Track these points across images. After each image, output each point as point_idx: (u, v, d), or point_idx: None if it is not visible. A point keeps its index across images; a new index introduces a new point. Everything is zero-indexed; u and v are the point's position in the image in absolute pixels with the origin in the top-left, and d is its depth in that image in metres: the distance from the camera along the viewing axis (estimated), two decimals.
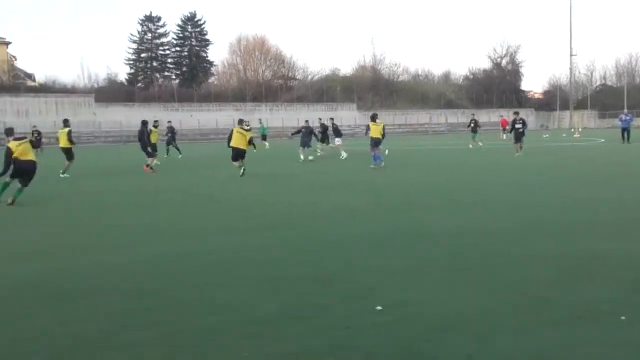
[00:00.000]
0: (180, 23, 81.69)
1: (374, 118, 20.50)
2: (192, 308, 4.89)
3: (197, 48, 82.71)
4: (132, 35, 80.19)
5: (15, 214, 10.92)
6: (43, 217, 10.67)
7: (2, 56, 75.18)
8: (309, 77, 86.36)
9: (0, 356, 4.01)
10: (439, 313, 4.60)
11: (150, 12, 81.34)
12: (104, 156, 33.85)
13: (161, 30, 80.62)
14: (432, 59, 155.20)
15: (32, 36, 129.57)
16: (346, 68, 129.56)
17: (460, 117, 78.58)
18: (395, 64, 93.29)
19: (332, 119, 27.84)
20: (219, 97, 70.79)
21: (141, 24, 79.57)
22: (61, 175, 18.33)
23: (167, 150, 28.80)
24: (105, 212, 10.82)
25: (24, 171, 12.23)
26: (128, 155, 32.56)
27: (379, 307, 4.73)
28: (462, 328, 4.26)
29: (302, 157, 23.50)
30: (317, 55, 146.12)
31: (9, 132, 12.99)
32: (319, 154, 25.86)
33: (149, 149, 20.52)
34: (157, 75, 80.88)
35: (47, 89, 63.46)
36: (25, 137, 13.16)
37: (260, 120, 43.09)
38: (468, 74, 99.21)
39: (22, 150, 12.30)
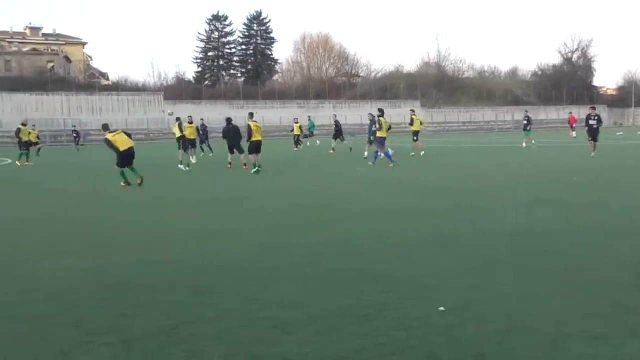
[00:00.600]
0: (246, 22, 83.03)
1: (382, 113, 19.84)
2: (255, 304, 4.91)
3: (262, 46, 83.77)
4: (199, 34, 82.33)
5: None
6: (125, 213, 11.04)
7: (79, 56, 78.71)
8: (373, 74, 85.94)
9: (75, 344, 4.13)
10: (505, 314, 4.45)
11: (217, 12, 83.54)
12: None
13: (228, 29, 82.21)
14: (498, 55, 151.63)
15: (106, 36, 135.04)
16: (410, 65, 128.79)
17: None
18: (460, 60, 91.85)
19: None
20: (283, 94, 71.47)
21: (208, 23, 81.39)
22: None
23: (202, 148, 27.97)
24: (176, 209, 11.11)
25: (127, 157, 14.93)
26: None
27: (441, 308, 4.62)
28: (530, 331, 4.10)
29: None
30: (380, 52, 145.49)
31: (105, 127, 15.79)
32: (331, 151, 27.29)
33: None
34: (223, 73, 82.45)
35: (119, 87, 65.79)
36: (117, 130, 15.72)
37: (309, 117, 43.14)
38: (536, 69, 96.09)
39: (119, 140, 14.85)
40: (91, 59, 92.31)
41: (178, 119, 22.65)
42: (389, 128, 19.90)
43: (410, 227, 8.24)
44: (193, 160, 22.50)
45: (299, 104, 68.33)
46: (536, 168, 17.49)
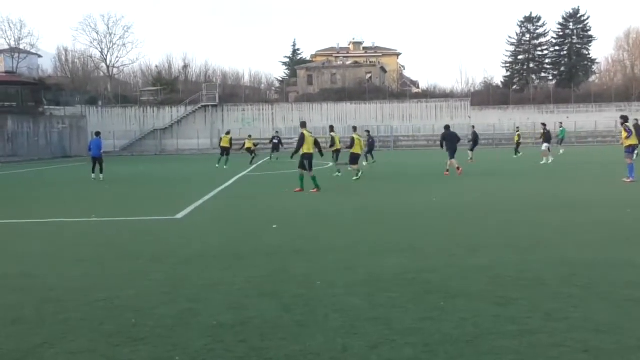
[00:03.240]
0: (561, 21, 78.37)
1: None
2: (562, 323, 4.73)
3: (578, 46, 78.09)
4: (510, 37, 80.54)
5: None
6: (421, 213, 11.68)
7: (393, 66, 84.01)
8: None
9: (382, 341, 4.56)
10: None
11: (530, 13, 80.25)
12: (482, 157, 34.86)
13: (540, 30, 78.74)
14: None
15: (418, 46, 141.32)
16: None
17: None
18: None
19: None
20: (600, 97, 65.48)
21: (520, 26, 79.11)
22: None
23: (366, 157, 27.67)
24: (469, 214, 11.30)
25: (305, 159, 15.81)
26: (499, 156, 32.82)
27: None
28: None
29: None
30: None
31: (303, 124, 16.60)
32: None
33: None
34: (533, 76, 79.21)
35: (428, 95, 68.37)
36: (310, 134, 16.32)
37: (560, 123, 39.18)
38: None
39: (308, 142, 15.70)
40: (404, 69, 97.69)
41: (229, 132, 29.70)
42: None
43: None
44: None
45: (619, 107, 61.74)
46: None
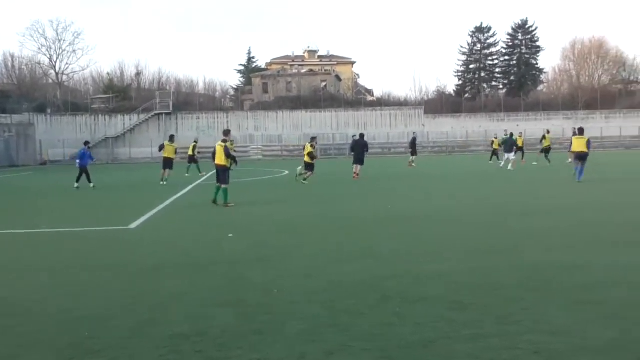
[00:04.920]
0: (510, 32, 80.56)
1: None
2: (515, 326, 4.87)
3: (527, 56, 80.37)
4: (462, 47, 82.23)
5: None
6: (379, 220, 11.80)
7: (348, 75, 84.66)
8: None
9: (333, 350, 4.57)
10: None
11: (481, 23, 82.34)
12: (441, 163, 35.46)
13: (491, 40, 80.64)
14: None
15: (373, 55, 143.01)
16: None
17: None
18: None
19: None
20: (548, 105, 67.50)
21: (471, 36, 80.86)
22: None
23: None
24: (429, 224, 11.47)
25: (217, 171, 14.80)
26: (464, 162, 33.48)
27: None
28: None
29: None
30: None
31: (225, 133, 15.42)
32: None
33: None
34: (485, 85, 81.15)
35: (382, 103, 69.12)
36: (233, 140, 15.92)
37: (505, 131, 41.20)
38: None
39: (218, 152, 14.60)
40: (359, 77, 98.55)
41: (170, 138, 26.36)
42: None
43: None
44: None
45: (566, 115, 63.86)
46: None
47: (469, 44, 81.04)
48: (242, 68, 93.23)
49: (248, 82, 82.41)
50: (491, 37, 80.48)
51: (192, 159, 29.77)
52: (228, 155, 14.76)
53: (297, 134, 59.68)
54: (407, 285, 6.37)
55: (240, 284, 6.61)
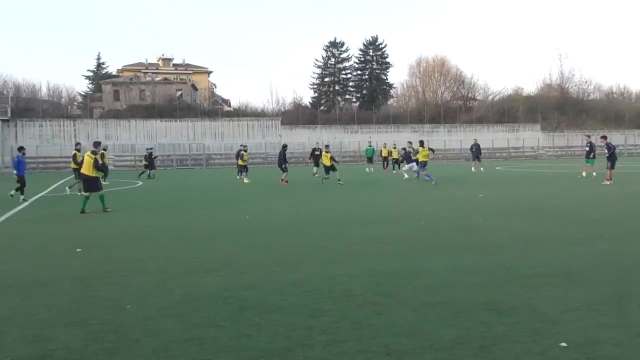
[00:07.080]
0: (362, 47, 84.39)
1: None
2: (368, 330, 5.05)
3: (378, 71, 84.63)
4: (317, 60, 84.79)
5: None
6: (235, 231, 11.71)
7: (205, 84, 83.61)
8: (490, 97, 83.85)
9: None
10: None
11: (335, 38, 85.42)
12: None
13: (344, 55, 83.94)
14: (629, 75, 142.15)
15: (230, 65, 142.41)
16: (530, 87, 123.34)
17: None
18: (586, 81, 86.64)
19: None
20: (397, 119, 71.57)
21: (326, 50, 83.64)
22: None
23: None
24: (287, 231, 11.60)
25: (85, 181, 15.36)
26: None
27: (563, 344, 4.55)
28: None
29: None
30: (498, 74, 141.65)
31: (95, 144, 15.92)
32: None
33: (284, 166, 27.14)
34: (339, 98, 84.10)
35: (240, 113, 69.02)
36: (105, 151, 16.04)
37: (369, 142, 45.62)
38: None
39: (86, 162, 15.04)
40: (215, 87, 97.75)
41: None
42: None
43: (541, 257, 8.03)
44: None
45: (414, 129, 68.10)
46: None
47: (323, 58, 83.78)
48: (91, 74, 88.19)
49: (97, 88, 78.17)
50: (344, 52, 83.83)
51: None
52: (98, 168, 15.36)
53: (154, 144, 57.67)
54: (265, 294, 6.37)
55: (88, 302, 6.21)
